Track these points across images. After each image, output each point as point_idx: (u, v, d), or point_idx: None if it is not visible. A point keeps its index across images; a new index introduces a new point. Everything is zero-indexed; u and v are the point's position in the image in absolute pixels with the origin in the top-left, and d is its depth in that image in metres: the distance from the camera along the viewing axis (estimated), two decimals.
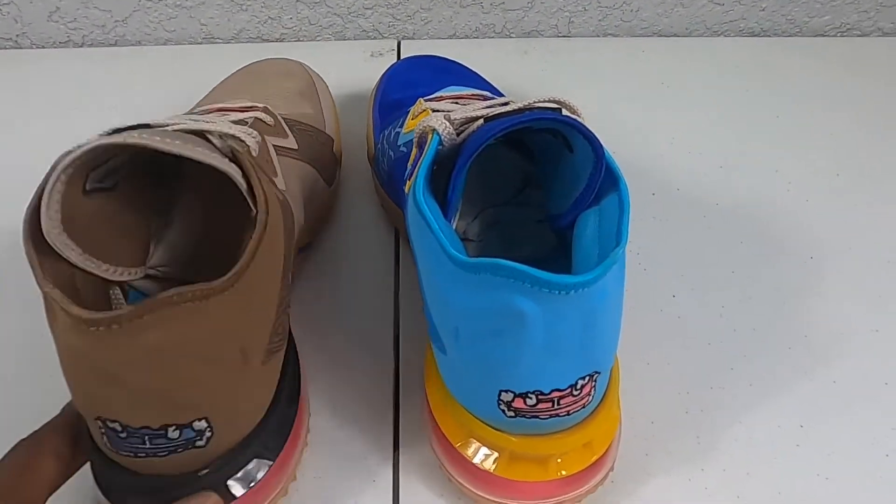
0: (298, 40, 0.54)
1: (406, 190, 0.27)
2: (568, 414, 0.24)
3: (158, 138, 0.21)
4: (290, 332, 0.28)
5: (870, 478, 0.30)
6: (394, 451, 0.30)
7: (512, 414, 0.23)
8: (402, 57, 0.52)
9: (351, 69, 0.50)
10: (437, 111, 0.31)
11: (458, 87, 0.36)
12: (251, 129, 0.26)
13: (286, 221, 0.26)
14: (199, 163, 0.22)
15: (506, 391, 0.23)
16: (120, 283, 0.26)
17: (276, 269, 0.24)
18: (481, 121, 0.26)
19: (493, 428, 0.25)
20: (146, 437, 0.21)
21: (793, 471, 0.30)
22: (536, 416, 0.23)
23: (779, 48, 0.53)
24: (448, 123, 0.26)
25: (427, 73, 0.39)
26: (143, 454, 0.22)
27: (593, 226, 0.25)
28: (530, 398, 0.23)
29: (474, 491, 0.27)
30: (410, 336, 0.34)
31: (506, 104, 0.27)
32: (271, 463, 0.25)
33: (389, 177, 0.34)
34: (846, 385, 0.33)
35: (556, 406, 0.23)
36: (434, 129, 0.26)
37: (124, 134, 0.21)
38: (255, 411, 0.25)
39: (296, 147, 0.32)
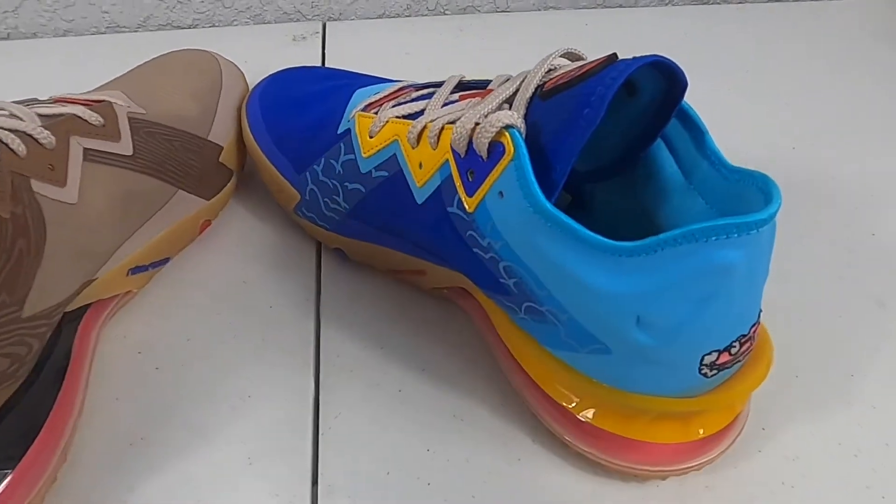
0: (213, 26, 0.49)
1: (469, 208, 0.24)
2: (739, 361, 0.24)
3: None
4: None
5: None
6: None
7: (714, 372, 0.23)
8: (326, 40, 0.48)
9: (272, 56, 0.46)
10: (407, 116, 0.28)
11: (368, 90, 0.32)
12: (42, 129, 0.24)
13: None
14: None
15: (709, 353, 0.22)
16: None
17: None
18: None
19: (677, 398, 0.24)
20: None
21: None
22: (731, 366, 0.23)
23: (730, 16, 0.50)
24: (518, 115, 0.23)
25: (310, 88, 0.34)
26: None
27: (668, 159, 0.25)
28: (734, 346, 0.23)
29: (606, 458, 0.26)
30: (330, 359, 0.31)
31: (549, 71, 0.24)
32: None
33: (359, 209, 0.30)
34: None
35: (739, 350, 0.23)
36: (511, 126, 0.23)
37: None
38: None
39: (130, 154, 0.29)
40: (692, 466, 0.26)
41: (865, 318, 0.33)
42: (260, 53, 0.46)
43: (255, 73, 0.40)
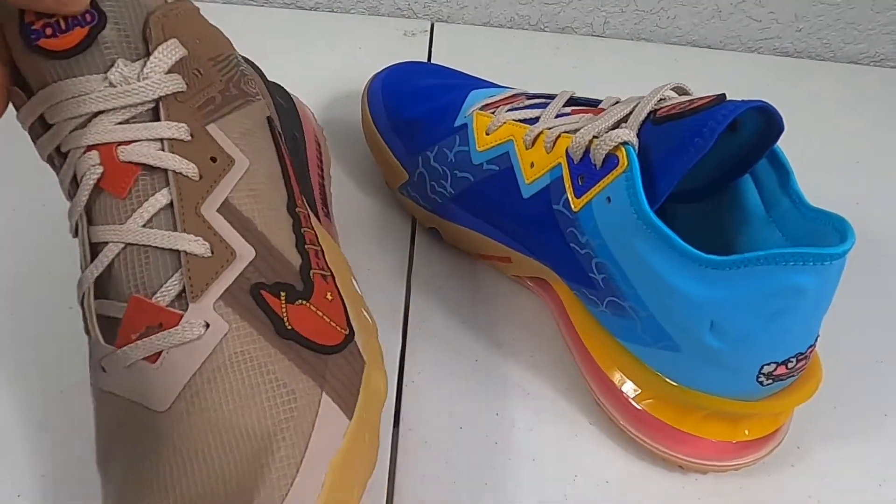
0: (332, 11, 0.53)
1: (575, 207, 0.28)
2: (793, 376, 0.27)
3: None
4: None
5: None
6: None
7: (770, 382, 0.26)
8: (433, 39, 0.52)
9: (382, 46, 0.50)
10: (523, 121, 0.31)
11: (484, 91, 0.35)
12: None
13: None
14: None
15: (769, 363, 0.26)
16: None
17: None
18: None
19: (733, 400, 0.27)
20: None
21: None
22: (785, 378, 0.27)
23: (811, 71, 0.53)
24: (633, 134, 0.26)
25: (428, 81, 0.38)
26: None
27: (753, 192, 0.29)
28: (791, 361, 0.26)
29: (656, 445, 0.29)
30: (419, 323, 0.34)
31: (661, 100, 0.28)
32: None
33: (464, 196, 0.34)
34: None
35: (796, 366, 0.26)
36: (628, 143, 0.26)
37: None
38: None
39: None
40: (732, 465, 0.29)
41: None
42: (372, 42, 0.50)
43: (366, 60, 0.44)
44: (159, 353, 0.22)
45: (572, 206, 0.28)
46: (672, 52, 0.53)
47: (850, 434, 0.32)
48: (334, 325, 0.25)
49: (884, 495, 0.30)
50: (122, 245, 0.23)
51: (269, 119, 0.29)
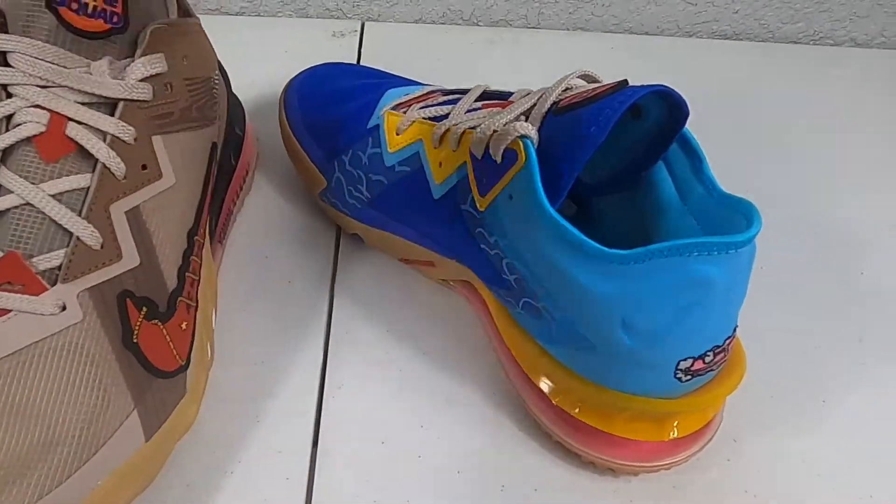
0: (258, 15, 0.52)
1: (480, 207, 0.27)
2: (712, 370, 0.26)
3: None
4: None
5: None
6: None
7: (689, 378, 0.25)
8: (363, 39, 0.50)
9: (311, 49, 0.48)
10: (432, 118, 0.30)
11: (399, 90, 0.34)
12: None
13: None
14: None
15: (685, 359, 0.24)
16: None
17: None
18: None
19: (654, 398, 0.26)
20: None
21: None
22: (704, 373, 0.25)
23: (750, 52, 0.52)
24: (532, 127, 0.25)
25: (345, 83, 0.37)
26: None
27: (667, 180, 0.27)
28: (708, 355, 0.25)
29: (585, 450, 0.28)
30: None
31: (566, 90, 0.27)
32: None
33: (379, 199, 0.33)
34: None
35: (713, 360, 0.25)
36: (525, 136, 0.25)
37: None
38: None
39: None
40: (663, 465, 0.28)
41: (843, 351, 0.34)
42: (300, 45, 0.49)
43: (294, 63, 0.42)
44: (8, 312, 0.23)
45: (478, 206, 0.27)
46: (609, 39, 0.52)
47: (788, 424, 0.31)
48: (175, 353, 0.26)
49: (822, 486, 0.29)
50: (24, 202, 0.24)
51: (214, 145, 0.31)
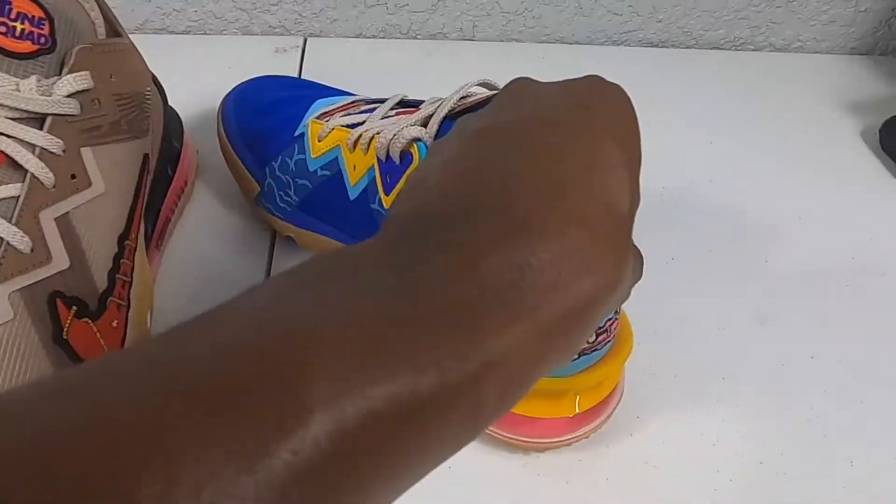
0: (205, 34, 0.54)
1: (386, 205, 0.30)
2: (597, 349, 0.28)
3: None
4: None
5: None
6: None
7: (576, 357, 0.27)
8: (305, 54, 0.53)
9: (254, 64, 0.50)
10: (350, 125, 0.32)
11: (326, 101, 0.36)
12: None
13: None
14: None
15: None
16: None
17: None
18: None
19: (550, 377, 0.28)
20: None
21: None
22: (590, 352, 0.27)
23: (676, 59, 0.55)
24: (426, 130, 0.28)
25: (277, 94, 0.39)
26: None
27: None
28: (590, 336, 0.27)
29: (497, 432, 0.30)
30: None
31: (463, 98, 0.29)
32: None
33: (306, 202, 0.35)
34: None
35: (596, 340, 0.27)
36: (419, 140, 0.28)
37: None
38: None
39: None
40: (565, 440, 0.30)
41: (746, 333, 0.37)
42: (243, 61, 0.51)
43: (238, 79, 0.44)
44: None
45: (384, 204, 0.29)
46: (541, 50, 0.55)
47: (688, 400, 0.34)
48: (106, 349, 0.28)
49: (716, 453, 0.32)
50: None
51: (147, 156, 0.33)
